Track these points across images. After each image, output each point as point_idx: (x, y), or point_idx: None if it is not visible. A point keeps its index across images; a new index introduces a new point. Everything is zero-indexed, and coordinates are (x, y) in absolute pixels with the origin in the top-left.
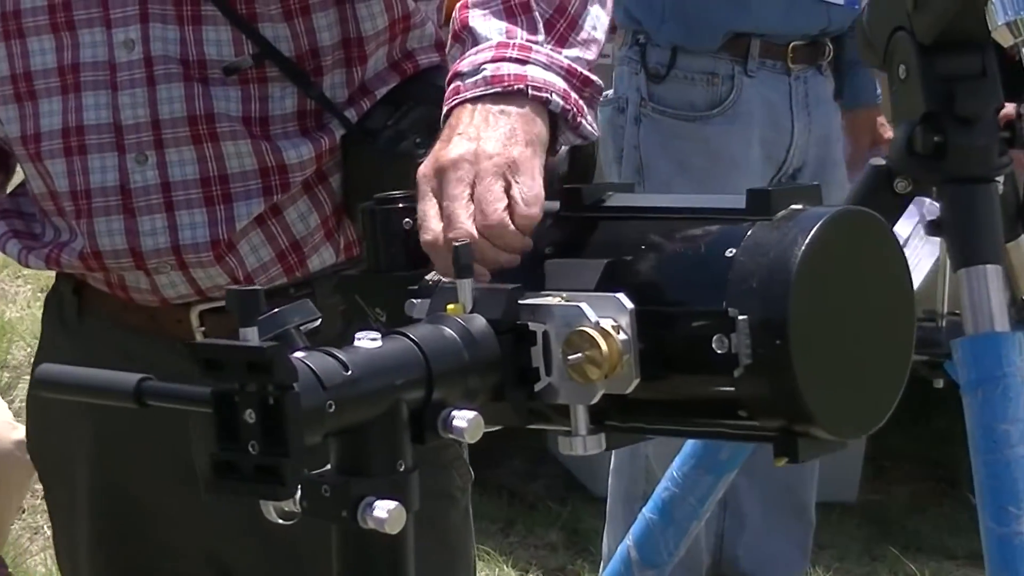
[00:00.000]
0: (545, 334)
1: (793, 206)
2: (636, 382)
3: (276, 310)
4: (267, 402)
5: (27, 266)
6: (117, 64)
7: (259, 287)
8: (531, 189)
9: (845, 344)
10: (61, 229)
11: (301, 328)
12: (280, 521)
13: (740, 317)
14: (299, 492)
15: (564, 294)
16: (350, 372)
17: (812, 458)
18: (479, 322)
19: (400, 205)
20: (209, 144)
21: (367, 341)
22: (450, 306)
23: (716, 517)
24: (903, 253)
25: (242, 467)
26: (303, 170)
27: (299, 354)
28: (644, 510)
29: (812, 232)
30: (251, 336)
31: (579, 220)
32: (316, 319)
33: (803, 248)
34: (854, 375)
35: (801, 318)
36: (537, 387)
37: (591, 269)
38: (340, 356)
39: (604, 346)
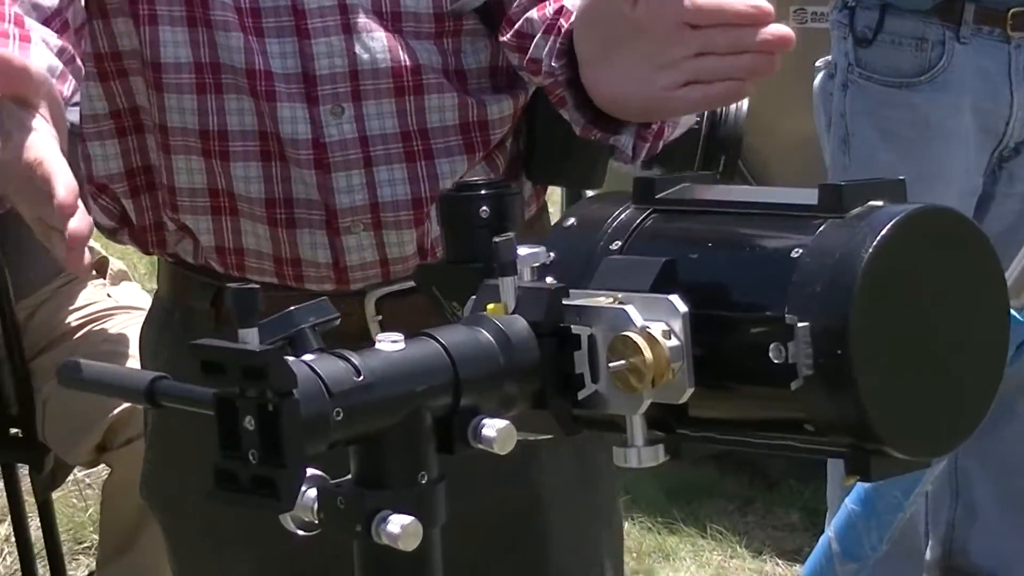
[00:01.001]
0: (591, 338)
1: (872, 202)
2: (690, 391)
3: (290, 309)
4: (267, 408)
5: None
6: (307, 10)
7: (256, 286)
8: None
9: (923, 354)
10: None
11: (317, 328)
12: (300, 532)
13: (800, 324)
14: (316, 504)
15: (619, 295)
16: (362, 377)
17: (888, 476)
18: (519, 324)
19: (480, 192)
20: (412, 97)
21: (388, 344)
22: (490, 306)
23: (947, 506)
24: (995, 254)
25: (241, 477)
26: (503, 127)
27: (309, 357)
28: (847, 500)
29: (883, 232)
30: (250, 338)
31: (646, 213)
32: (334, 319)
33: (871, 250)
34: (934, 388)
35: (869, 326)
36: (581, 395)
37: (648, 268)
38: (353, 360)
39: (648, 353)
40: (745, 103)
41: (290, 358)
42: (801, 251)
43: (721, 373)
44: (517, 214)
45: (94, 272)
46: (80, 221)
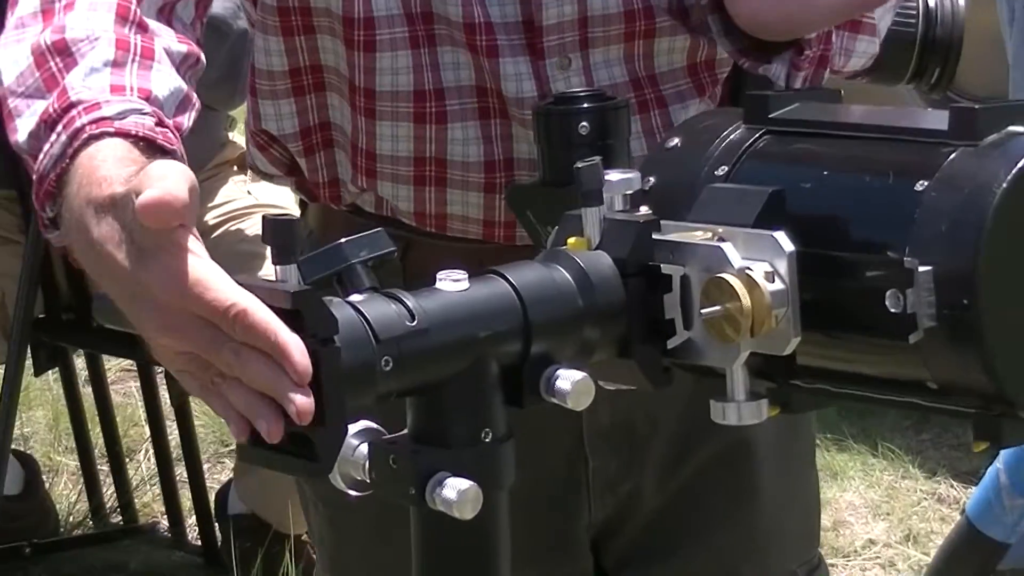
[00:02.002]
0: (684, 279)
1: (1011, 128)
2: (795, 342)
3: (340, 241)
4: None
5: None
6: None
7: (294, 216)
8: None
9: None
10: None
11: (370, 263)
12: (352, 493)
13: (921, 269)
14: (367, 461)
15: (719, 229)
16: (416, 321)
17: (1021, 443)
18: (602, 262)
19: (581, 106)
20: (641, 42)
21: (449, 283)
22: (571, 240)
23: None
24: None
25: None
26: (729, 63)
27: (357, 298)
28: None
29: (1021, 163)
30: (289, 276)
31: (757, 135)
32: (390, 252)
33: (1006, 184)
34: None
35: (1001, 272)
36: (671, 343)
37: (753, 198)
38: (407, 302)
39: (746, 299)
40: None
41: (334, 300)
42: (926, 184)
43: (832, 321)
44: (623, 131)
45: (235, 168)
46: (308, 400)
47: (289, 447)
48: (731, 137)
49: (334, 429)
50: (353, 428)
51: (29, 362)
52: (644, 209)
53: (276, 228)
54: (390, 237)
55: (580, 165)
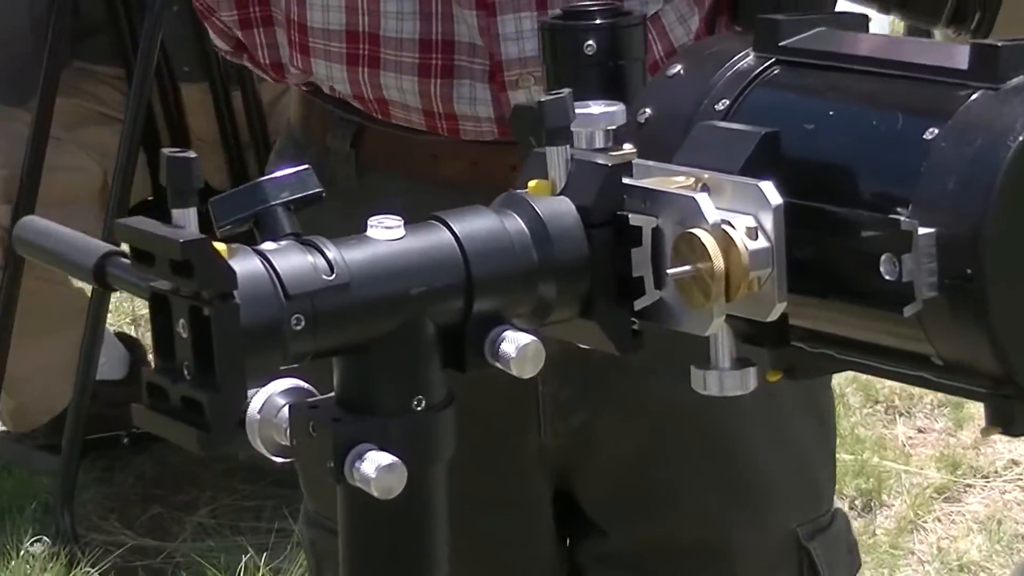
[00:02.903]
0: (657, 232)
1: None
2: (780, 307)
3: (259, 180)
4: (200, 313)
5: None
6: None
7: (194, 155)
8: None
9: None
10: None
11: (292, 207)
12: (277, 459)
13: (922, 231)
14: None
15: (705, 174)
16: (334, 275)
17: None
18: (563, 208)
19: (591, 22)
20: None
21: (381, 231)
22: (531, 183)
23: None
24: None
25: (171, 395)
26: None
27: (269, 246)
28: None
29: None
30: (186, 221)
31: (765, 65)
32: (316, 193)
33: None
34: None
35: (1014, 239)
36: (638, 304)
37: (744, 141)
38: (327, 252)
39: (718, 259)
40: None
41: (241, 248)
42: (936, 132)
43: (824, 286)
44: (637, 51)
45: None
46: None
47: (184, 414)
48: (738, 66)
49: (228, 396)
50: (281, 386)
51: None
52: (628, 147)
53: (173, 166)
54: (342, 121)
55: (544, 98)
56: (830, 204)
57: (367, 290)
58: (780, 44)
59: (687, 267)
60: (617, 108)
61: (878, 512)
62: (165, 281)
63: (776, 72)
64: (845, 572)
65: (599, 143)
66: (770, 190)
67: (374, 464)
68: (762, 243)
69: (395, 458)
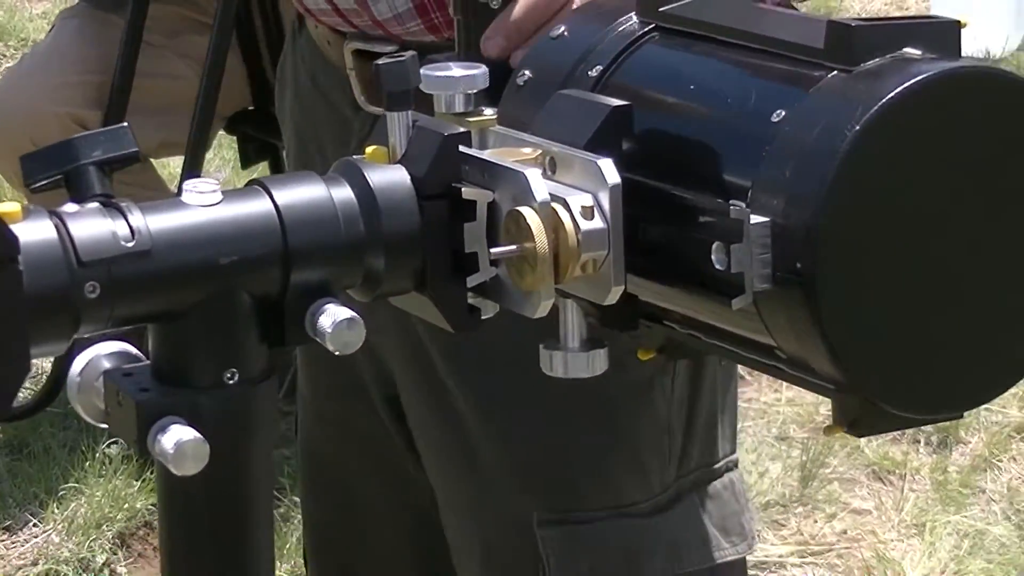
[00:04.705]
0: (494, 206)
1: (904, 51)
2: (617, 291)
3: (72, 138)
4: None
5: None
6: None
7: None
8: None
9: (939, 276)
10: None
11: (107, 167)
12: (101, 425)
13: (754, 220)
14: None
15: (555, 147)
16: (134, 242)
17: (886, 431)
18: (396, 178)
19: None
20: None
21: (194, 195)
22: (369, 149)
23: None
24: None
25: None
26: None
27: (69, 208)
28: None
29: (885, 99)
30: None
31: (643, 31)
32: (132, 153)
33: (860, 125)
34: (954, 320)
35: (852, 232)
36: (471, 281)
37: (593, 114)
38: (130, 217)
39: (541, 238)
40: None
41: (34, 210)
42: (784, 114)
43: (665, 271)
44: None
45: None
46: None
47: None
48: (619, 30)
49: (6, 367)
50: (109, 348)
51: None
52: (489, 112)
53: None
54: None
55: (382, 61)
56: (674, 185)
57: (170, 258)
58: (660, 10)
59: (512, 247)
60: (478, 71)
61: (954, 449)
62: None
63: (652, 39)
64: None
65: (459, 107)
66: (608, 168)
67: (174, 439)
68: (597, 224)
69: (196, 434)
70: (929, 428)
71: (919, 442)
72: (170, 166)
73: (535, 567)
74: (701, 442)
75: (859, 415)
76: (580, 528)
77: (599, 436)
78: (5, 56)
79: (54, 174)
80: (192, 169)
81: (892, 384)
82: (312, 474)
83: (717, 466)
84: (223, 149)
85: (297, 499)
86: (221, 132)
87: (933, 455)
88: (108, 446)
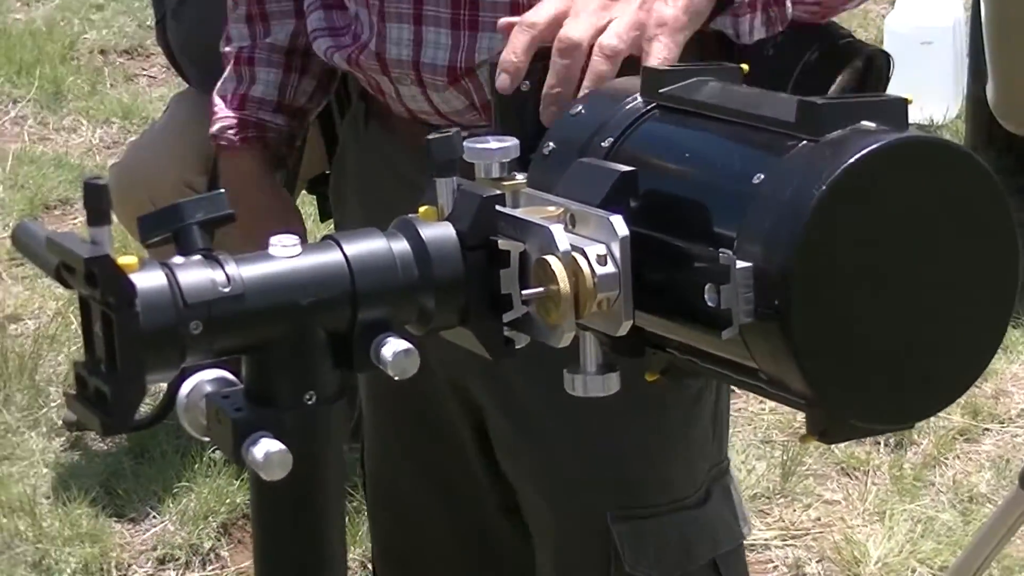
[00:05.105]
0: (524, 255)
1: (863, 124)
2: (627, 324)
3: (178, 202)
4: (109, 318)
5: (331, 63)
6: None
7: (104, 182)
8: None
9: (896, 306)
10: (364, 24)
11: (206, 227)
12: (205, 438)
13: (739, 265)
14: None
15: (574, 206)
16: (229, 288)
17: (852, 438)
18: (444, 232)
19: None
20: None
21: (279, 248)
22: (422, 209)
23: None
24: (1006, 201)
25: (89, 385)
26: None
27: (177, 260)
28: None
29: (846, 164)
30: (102, 238)
31: (646, 109)
32: (227, 215)
33: (826, 185)
34: (909, 345)
35: (821, 273)
36: (507, 317)
37: (605, 177)
38: (226, 267)
39: (564, 284)
40: None
41: (150, 262)
42: (763, 176)
43: (666, 307)
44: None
45: None
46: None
47: (95, 401)
48: (626, 108)
49: (126, 389)
50: (210, 375)
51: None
52: (520, 177)
53: (89, 192)
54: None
55: (432, 136)
56: (673, 236)
57: (259, 300)
58: (660, 91)
59: (540, 289)
60: (510, 143)
61: (908, 449)
62: (83, 289)
63: (654, 115)
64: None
65: (495, 173)
66: (619, 223)
67: (263, 450)
68: (610, 269)
69: (281, 445)
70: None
71: (879, 443)
72: None
73: (607, 557)
74: (720, 443)
75: (828, 426)
76: (646, 523)
77: (659, 440)
78: (131, 132)
79: (165, 232)
80: None
81: (856, 401)
82: (376, 495)
83: (723, 464)
84: (305, 206)
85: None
86: (304, 192)
87: (891, 454)
88: (213, 451)
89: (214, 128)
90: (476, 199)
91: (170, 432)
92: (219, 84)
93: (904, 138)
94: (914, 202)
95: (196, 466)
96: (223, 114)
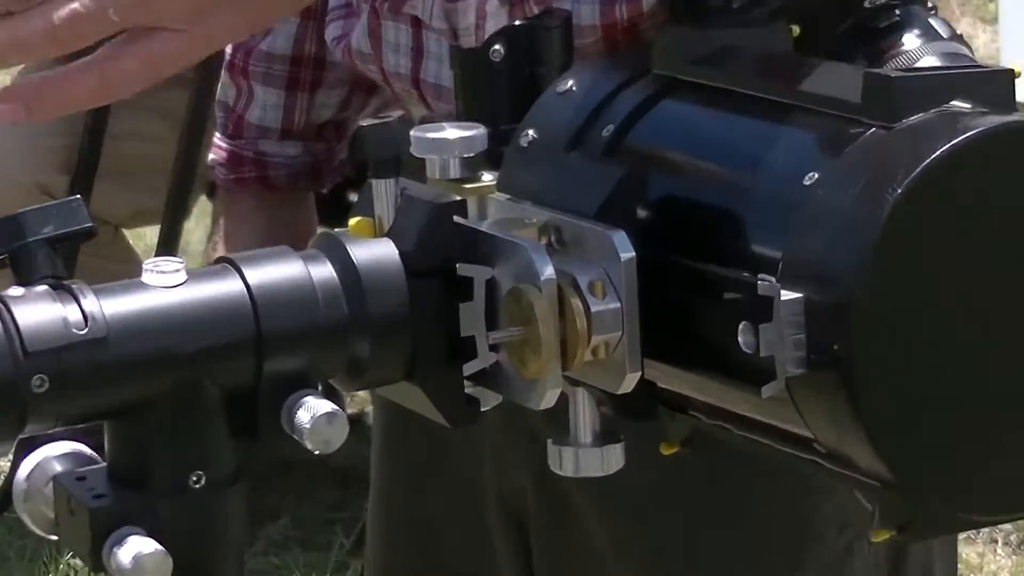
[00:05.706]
0: (491, 284)
1: (952, 104)
2: (633, 378)
3: (20, 212)
4: None
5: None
6: None
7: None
8: None
9: (999, 353)
10: None
11: (58, 245)
12: (51, 537)
13: (785, 296)
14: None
15: (562, 217)
16: (87, 330)
17: (941, 533)
18: (383, 253)
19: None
20: None
21: (155, 275)
22: (353, 221)
23: None
24: None
25: None
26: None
27: (15, 292)
28: None
29: (932, 158)
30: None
31: (656, 87)
32: (85, 228)
33: (904, 186)
34: (1015, 405)
35: (896, 310)
36: (468, 369)
37: (603, 181)
38: (83, 302)
39: (547, 322)
40: None
41: None
42: (817, 176)
43: (686, 356)
44: (555, 58)
45: None
46: None
47: None
48: (633, 86)
49: None
50: (59, 449)
51: None
52: (488, 178)
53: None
54: None
55: (366, 123)
56: (695, 259)
57: (128, 346)
58: (680, 63)
59: (513, 330)
60: (476, 132)
61: None
62: None
63: (668, 97)
64: None
65: (454, 173)
66: (622, 241)
67: (132, 552)
68: (609, 303)
69: (157, 545)
70: (1008, 526)
71: (996, 542)
72: (147, 237)
73: None
74: None
75: (910, 516)
76: None
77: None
78: None
79: (5, 253)
80: (169, 241)
81: (946, 480)
82: None
83: None
84: (205, 217)
85: None
86: (203, 198)
87: (1012, 556)
88: (73, 556)
89: (209, 156)
90: (426, 207)
91: (13, 528)
92: (219, 85)
93: (1009, 123)
94: (1021, 209)
95: (49, 575)
96: (217, 140)
